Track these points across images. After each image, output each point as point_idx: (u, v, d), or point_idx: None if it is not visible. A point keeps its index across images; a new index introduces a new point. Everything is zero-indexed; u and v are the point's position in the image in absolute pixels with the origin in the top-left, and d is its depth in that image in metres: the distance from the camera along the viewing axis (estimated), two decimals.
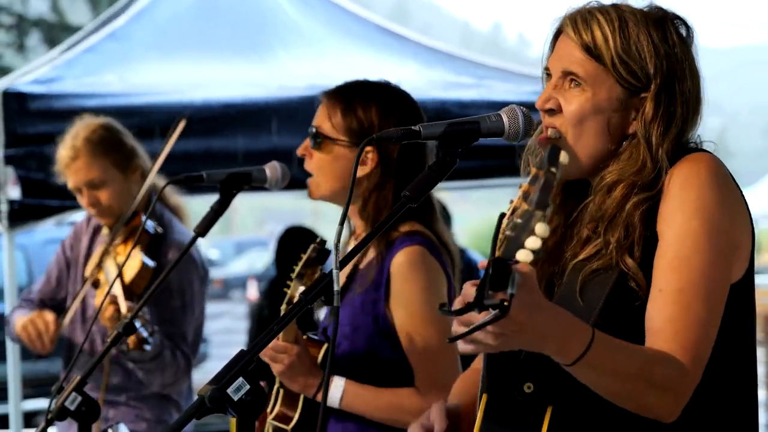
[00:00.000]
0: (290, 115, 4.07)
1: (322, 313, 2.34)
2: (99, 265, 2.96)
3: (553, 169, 1.24)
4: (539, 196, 1.23)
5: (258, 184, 2.26)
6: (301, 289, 2.18)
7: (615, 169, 1.58)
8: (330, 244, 2.17)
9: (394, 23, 5.13)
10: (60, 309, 3.10)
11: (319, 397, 2.14)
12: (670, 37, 1.59)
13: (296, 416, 2.19)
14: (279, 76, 4.36)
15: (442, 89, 4.43)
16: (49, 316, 2.94)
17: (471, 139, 1.56)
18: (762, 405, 8.08)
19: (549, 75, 1.64)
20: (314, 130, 2.25)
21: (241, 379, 1.47)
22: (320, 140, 2.23)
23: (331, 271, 1.48)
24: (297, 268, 2.21)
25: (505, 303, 1.22)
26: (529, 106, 1.63)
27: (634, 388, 1.44)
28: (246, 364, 1.49)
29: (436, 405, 1.69)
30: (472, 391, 1.73)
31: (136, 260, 2.86)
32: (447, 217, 5.21)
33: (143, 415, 3.03)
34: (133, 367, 2.93)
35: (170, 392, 3.05)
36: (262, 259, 22.20)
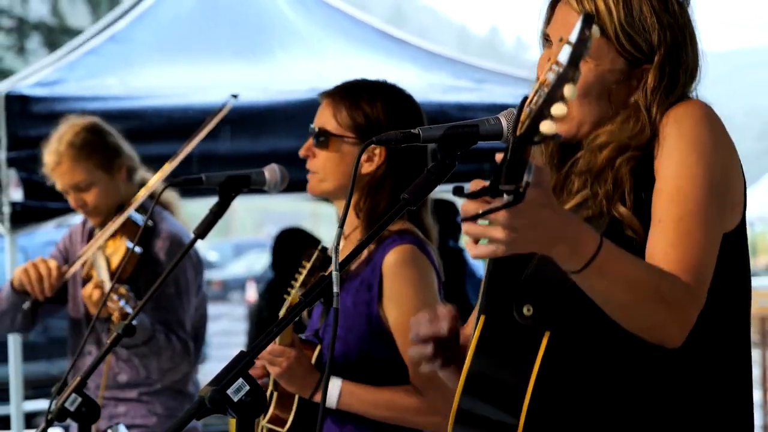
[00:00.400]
0: (290, 118, 4.08)
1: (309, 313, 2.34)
2: (90, 262, 2.97)
3: (587, 32, 1.20)
4: (572, 56, 1.19)
5: (257, 187, 2.27)
6: (296, 297, 2.20)
7: (608, 130, 1.58)
8: (327, 250, 2.19)
9: (391, 26, 5.14)
10: (53, 309, 3.13)
11: (316, 398, 2.15)
12: (671, 5, 1.59)
13: (290, 418, 2.20)
14: (279, 78, 4.37)
15: (441, 92, 4.44)
16: (52, 262, 2.95)
17: (470, 142, 1.57)
18: (757, 407, 8.09)
19: (547, 41, 1.65)
20: (317, 129, 2.27)
21: (241, 380, 1.48)
22: (325, 139, 2.25)
23: (330, 273, 1.49)
24: (301, 277, 2.22)
25: (521, 190, 1.20)
26: None
27: (645, 298, 1.43)
28: (246, 365, 1.50)
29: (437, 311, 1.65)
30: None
31: (121, 247, 2.89)
32: (455, 213, 5.21)
33: (154, 410, 3.04)
34: (128, 354, 2.93)
35: (175, 382, 3.04)
36: (260, 261, 22.19)
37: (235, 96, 3.09)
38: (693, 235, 1.49)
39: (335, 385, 2.14)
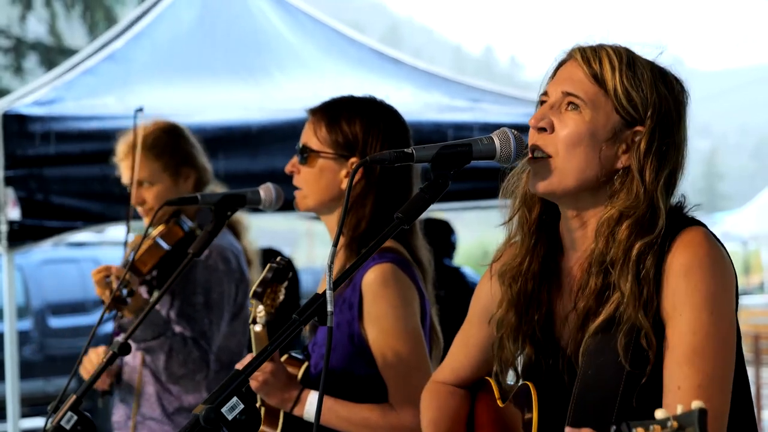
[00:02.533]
0: (286, 137, 4.10)
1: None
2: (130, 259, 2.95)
3: None
4: None
5: (252, 206, 2.28)
6: (261, 308, 2.18)
7: (612, 204, 1.60)
8: (285, 263, 2.18)
9: (387, 46, 5.18)
10: None
11: (295, 412, 2.16)
12: (671, 86, 1.63)
13: None
14: (275, 98, 4.39)
15: (437, 112, 4.47)
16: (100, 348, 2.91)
17: (463, 162, 1.58)
18: None
19: (544, 102, 1.66)
20: (301, 146, 2.30)
21: (235, 398, 1.49)
22: (306, 155, 2.27)
23: (324, 292, 1.50)
24: (253, 287, 2.21)
25: None
26: (522, 129, 1.65)
27: None
28: (240, 384, 1.50)
29: None
30: (446, 407, 1.76)
31: (151, 240, 2.86)
32: (450, 232, 5.22)
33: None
34: (137, 348, 2.89)
35: (183, 389, 2.98)
36: (256, 278, 22.04)
37: (140, 110, 3.06)
38: (714, 404, 1.50)
39: (314, 400, 2.15)
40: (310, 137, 2.29)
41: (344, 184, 2.26)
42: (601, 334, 1.58)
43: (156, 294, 2.89)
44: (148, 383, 3.00)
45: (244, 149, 4.10)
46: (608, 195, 1.61)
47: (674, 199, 1.64)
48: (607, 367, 1.57)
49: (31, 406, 6.49)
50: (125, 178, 3.02)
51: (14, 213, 3.79)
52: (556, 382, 1.66)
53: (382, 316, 2.18)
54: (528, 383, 1.66)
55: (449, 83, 4.82)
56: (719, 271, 1.57)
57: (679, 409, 1.21)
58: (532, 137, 1.63)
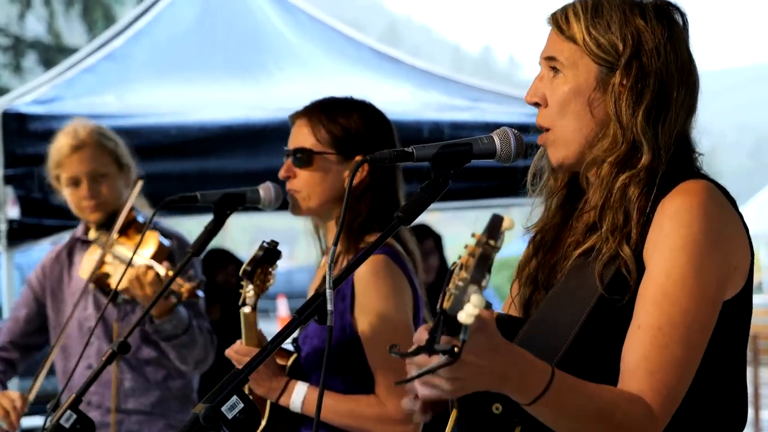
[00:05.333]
0: (285, 136, 4.09)
1: None
2: (101, 262, 2.94)
3: (492, 242, 1.25)
4: (474, 271, 1.23)
5: (252, 205, 2.28)
6: (251, 289, 2.20)
7: (594, 151, 1.57)
8: (276, 244, 2.20)
9: (386, 45, 5.18)
10: (30, 349, 3.12)
11: (281, 402, 2.17)
12: (647, 15, 1.58)
13: (263, 423, 2.23)
14: (275, 97, 4.39)
15: (436, 111, 4.47)
16: (14, 393, 2.91)
17: (463, 161, 1.58)
18: (750, 424, 8.07)
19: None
20: (295, 149, 2.29)
21: (235, 397, 1.49)
22: (307, 157, 2.27)
23: (324, 291, 1.50)
24: (243, 266, 2.22)
25: (456, 349, 1.22)
26: (522, 128, 1.65)
27: (596, 428, 1.42)
28: (240, 382, 1.51)
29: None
30: None
31: (153, 240, 2.86)
32: (437, 239, 5.24)
33: (170, 423, 3.06)
34: (166, 345, 2.92)
35: (181, 389, 3.06)
36: None
37: (141, 177, 3.03)
38: (670, 349, 1.45)
39: (301, 390, 2.17)
40: (305, 139, 2.28)
41: (346, 184, 2.26)
42: (581, 259, 1.55)
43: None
44: (126, 379, 3.01)
45: (244, 148, 4.10)
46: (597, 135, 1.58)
47: (685, 138, 1.58)
48: (576, 292, 1.53)
49: (30, 405, 6.49)
50: (73, 173, 2.97)
51: (13, 212, 3.80)
52: (528, 312, 1.64)
53: (373, 307, 2.20)
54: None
55: (448, 82, 4.82)
56: (711, 222, 1.49)
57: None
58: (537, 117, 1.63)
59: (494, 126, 1.66)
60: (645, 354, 1.46)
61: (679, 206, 1.50)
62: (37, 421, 5.72)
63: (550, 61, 1.60)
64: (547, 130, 1.61)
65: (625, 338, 1.49)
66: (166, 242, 2.90)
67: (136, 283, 2.73)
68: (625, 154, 1.55)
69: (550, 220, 1.67)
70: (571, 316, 1.52)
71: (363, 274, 2.20)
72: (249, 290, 2.22)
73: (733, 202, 1.57)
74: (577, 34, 1.58)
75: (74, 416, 2.04)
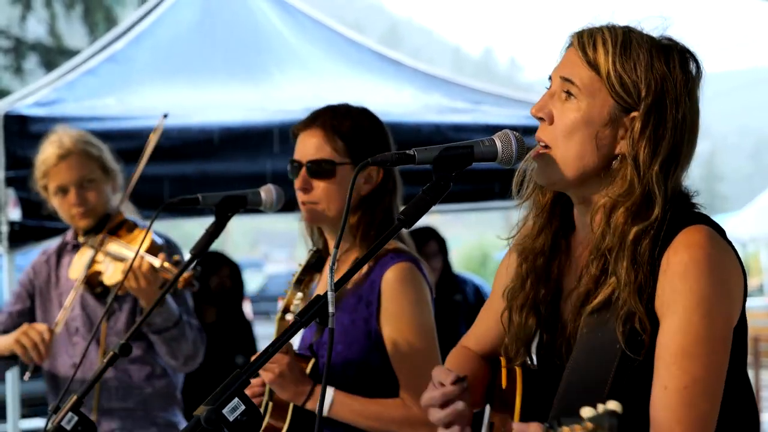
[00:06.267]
0: (286, 138, 4.10)
1: None
2: (92, 262, 2.96)
3: None
4: None
5: (253, 207, 2.28)
6: (299, 297, 2.23)
7: (607, 192, 1.59)
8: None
9: (386, 47, 5.18)
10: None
11: (308, 406, 2.19)
12: (672, 63, 1.59)
13: (285, 427, 2.23)
14: (276, 99, 4.40)
15: (437, 113, 4.47)
16: (42, 325, 2.95)
17: (464, 164, 1.58)
18: None
19: (551, 80, 1.66)
20: (310, 161, 2.29)
21: (236, 399, 1.49)
22: (328, 168, 2.27)
23: (325, 293, 1.51)
24: (296, 275, 2.24)
25: None
26: (523, 131, 1.65)
27: None
28: (242, 384, 1.51)
29: (438, 368, 1.71)
30: (468, 368, 1.78)
31: (147, 239, 2.88)
32: (441, 241, 5.24)
33: (153, 420, 3.06)
34: (157, 339, 2.93)
35: (164, 387, 3.07)
36: (255, 279, 22.13)
37: (165, 116, 3.10)
38: (698, 407, 1.51)
39: (328, 393, 2.19)
40: (321, 150, 2.29)
41: (363, 190, 2.29)
42: (596, 315, 1.58)
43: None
44: (110, 378, 3.04)
45: (245, 150, 4.10)
46: (608, 182, 1.60)
47: (681, 188, 1.61)
48: (600, 349, 1.57)
49: (31, 406, 6.49)
50: (60, 181, 3.01)
51: (15, 214, 3.80)
52: (549, 360, 1.68)
53: (399, 313, 2.23)
54: (517, 368, 1.70)
55: (449, 85, 4.82)
56: (718, 273, 1.54)
57: (591, 412, 1.23)
58: (538, 132, 1.63)
59: (495, 128, 1.66)
60: (675, 416, 1.52)
61: (687, 262, 1.54)
62: (38, 423, 5.73)
63: (565, 82, 1.61)
64: (546, 146, 1.61)
65: (652, 395, 1.54)
66: (159, 240, 2.93)
67: (131, 276, 2.75)
68: (640, 203, 1.57)
69: (534, 241, 1.69)
70: (600, 373, 1.57)
71: (391, 282, 2.23)
72: (298, 298, 2.23)
73: (725, 237, 1.60)
74: (602, 65, 1.59)
75: (75, 418, 2.04)
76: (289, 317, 2.24)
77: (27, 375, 2.95)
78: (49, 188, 3.05)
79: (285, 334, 1.56)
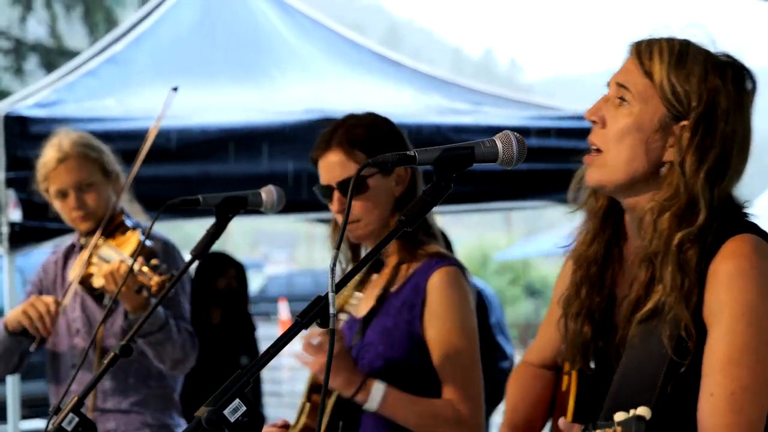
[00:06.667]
0: (287, 139, 4.11)
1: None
2: (88, 263, 2.96)
3: None
4: None
5: (254, 208, 2.28)
6: (358, 295, 2.23)
7: (653, 197, 1.63)
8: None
9: (386, 48, 5.18)
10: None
11: (359, 398, 2.17)
12: (726, 78, 1.64)
13: (324, 421, 2.22)
14: (276, 100, 4.40)
15: (437, 114, 4.47)
16: (49, 298, 2.96)
17: (465, 165, 1.58)
18: None
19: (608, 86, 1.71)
20: (343, 181, 2.28)
21: (237, 400, 1.49)
22: (363, 186, 2.27)
23: (326, 294, 1.50)
24: (359, 276, 2.23)
25: None
26: (523, 131, 1.66)
27: None
28: (243, 385, 1.50)
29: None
30: (531, 388, 1.84)
31: (134, 239, 2.92)
32: (448, 244, 5.25)
33: (147, 421, 3.06)
34: (142, 342, 2.93)
35: (162, 388, 3.07)
36: (256, 280, 22.15)
37: (175, 89, 3.10)
38: (745, 413, 1.55)
39: (379, 388, 2.17)
40: (345, 168, 2.28)
41: (396, 192, 2.31)
42: (646, 323, 1.62)
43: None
44: (107, 379, 3.04)
45: (245, 151, 4.11)
46: (656, 187, 1.64)
47: (732, 198, 1.65)
48: (649, 356, 1.60)
49: (31, 407, 6.49)
50: (60, 185, 3.01)
51: (15, 215, 3.80)
52: (605, 366, 1.72)
53: (444, 315, 2.24)
54: (573, 372, 1.74)
55: (450, 86, 4.82)
56: (763, 282, 1.58)
57: (622, 416, 1.26)
58: (590, 135, 1.68)
59: (496, 129, 1.66)
60: (723, 422, 1.55)
61: (732, 272, 1.58)
62: (39, 423, 5.73)
63: (620, 88, 1.66)
64: (598, 150, 1.66)
65: (699, 403, 1.57)
66: (149, 243, 2.92)
67: (110, 279, 2.78)
68: (685, 208, 1.61)
69: (588, 249, 1.74)
70: (649, 379, 1.60)
71: (437, 284, 2.25)
72: (358, 297, 2.26)
73: None
74: (656, 73, 1.63)
75: (76, 419, 2.04)
76: (343, 317, 2.22)
77: (33, 346, 2.97)
78: (50, 191, 3.06)
79: (286, 335, 1.56)
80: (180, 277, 2.27)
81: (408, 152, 1.57)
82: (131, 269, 2.65)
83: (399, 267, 2.30)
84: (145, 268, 2.73)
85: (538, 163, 4.20)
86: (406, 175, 2.31)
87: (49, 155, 3.03)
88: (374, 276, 2.38)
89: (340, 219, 2.32)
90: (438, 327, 2.24)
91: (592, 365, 1.76)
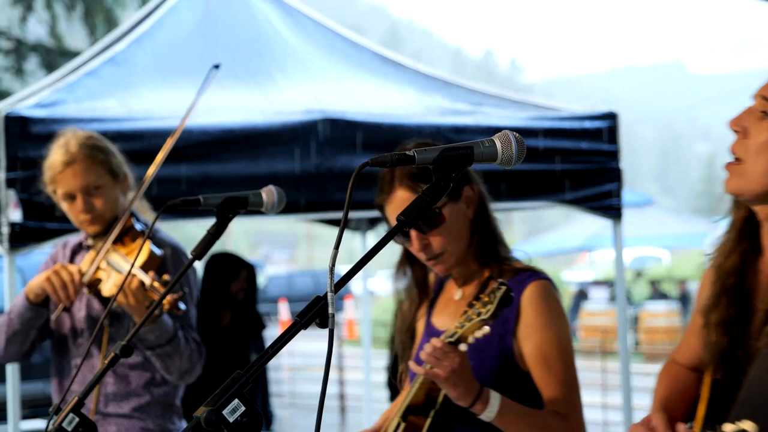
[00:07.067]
0: (288, 140, 4.11)
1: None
2: (96, 268, 2.95)
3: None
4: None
5: (254, 208, 2.29)
6: (485, 330, 2.12)
7: None
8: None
9: (386, 49, 5.18)
10: (43, 334, 3.12)
11: (476, 408, 2.15)
12: None
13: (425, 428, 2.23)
14: (277, 101, 4.40)
15: (438, 115, 4.47)
16: (73, 266, 2.94)
17: (464, 164, 1.58)
18: None
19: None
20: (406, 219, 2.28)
21: (236, 400, 1.49)
22: (432, 219, 2.27)
23: (325, 294, 1.50)
24: (492, 309, 2.10)
25: None
26: (523, 132, 1.66)
27: None
28: (242, 385, 1.51)
29: (657, 414, 1.74)
30: (677, 383, 1.87)
31: (144, 249, 2.88)
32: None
33: (147, 427, 3.06)
34: (150, 354, 2.93)
35: (164, 395, 3.07)
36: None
37: (216, 66, 3.11)
38: None
39: (495, 397, 2.17)
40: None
41: (470, 214, 2.33)
42: None
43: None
44: (109, 383, 3.04)
45: (246, 152, 4.11)
46: None
47: None
48: None
49: (31, 407, 6.50)
50: (67, 188, 2.98)
51: (15, 215, 3.80)
52: (737, 376, 1.73)
53: (542, 328, 2.26)
54: (708, 378, 1.78)
55: (450, 87, 4.82)
56: None
57: (730, 427, 1.28)
58: (734, 144, 1.73)
59: (496, 130, 1.66)
60: None
61: None
62: (39, 424, 5.73)
63: (764, 102, 1.70)
64: (738, 159, 1.70)
65: None
66: (158, 251, 2.91)
67: (122, 294, 2.75)
68: None
69: (726, 260, 1.77)
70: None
71: (531, 297, 2.27)
72: (483, 331, 2.12)
73: None
74: None
75: (76, 419, 2.05)
76: (463, 348, 2.14)
77: (54, 315, 2.96)
78: (57, 194, 3.04)
79: (285, 335, 1.56)
80: (180, 277, 2.26)
81: (407, 152, 1.57)
82: (142, 284, 2.68)
83: (488, 282, 2.30)
84: (156, 284, 2.71)
85: (538, 164, 4.25)
86: (474, 194, 2.33)
87: (55, 157, 3.00)
88: (458, 292, 2.39)
89: (423, 256, 2.31)
90: (536, 340, 2.25)
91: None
